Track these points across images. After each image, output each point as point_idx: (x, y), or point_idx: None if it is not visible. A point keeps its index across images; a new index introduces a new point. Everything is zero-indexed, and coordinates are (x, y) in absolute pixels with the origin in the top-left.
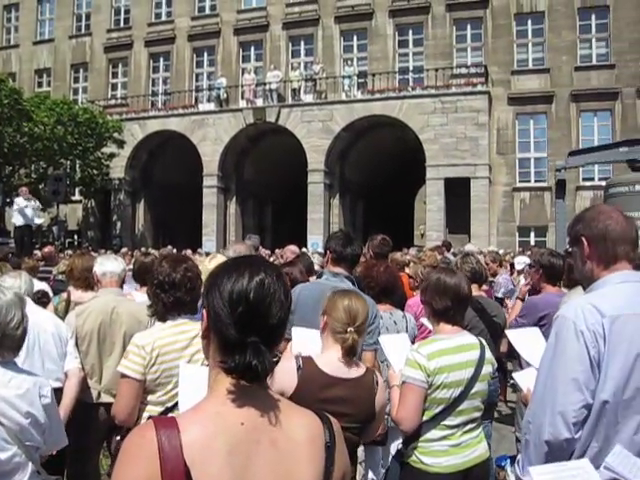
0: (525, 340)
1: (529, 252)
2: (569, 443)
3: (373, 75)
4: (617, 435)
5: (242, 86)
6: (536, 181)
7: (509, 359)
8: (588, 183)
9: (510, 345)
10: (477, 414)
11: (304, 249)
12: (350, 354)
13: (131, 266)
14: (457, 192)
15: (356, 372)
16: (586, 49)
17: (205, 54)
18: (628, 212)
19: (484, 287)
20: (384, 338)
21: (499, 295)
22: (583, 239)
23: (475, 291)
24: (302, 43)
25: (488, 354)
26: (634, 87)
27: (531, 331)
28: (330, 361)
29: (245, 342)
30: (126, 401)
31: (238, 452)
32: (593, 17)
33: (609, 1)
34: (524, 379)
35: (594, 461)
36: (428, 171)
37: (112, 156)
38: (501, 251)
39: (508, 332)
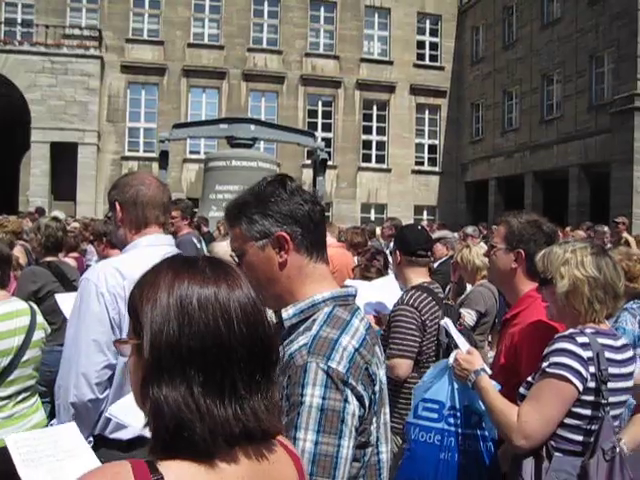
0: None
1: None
2: (94, 404)
3: None
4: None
5: None
6: (145, 151)
7: None
8: (194, 156)
9: None
10: (31, 382)
11: None
12: None
13: None
14: (64, 157)
15: None
16: (199, 27)
17: None
18: (225, 185)
19: (74, 254)
20: None
21: (91, 263)
22: (117, 204)
23: (52, 257)
24: None
25: (40, 319)
26: (240, 69)
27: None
28: None
29: None
30: None
31: None
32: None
33: None
34: None
35: None
36: (33, 134)
37: None
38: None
39: (56, 296)
